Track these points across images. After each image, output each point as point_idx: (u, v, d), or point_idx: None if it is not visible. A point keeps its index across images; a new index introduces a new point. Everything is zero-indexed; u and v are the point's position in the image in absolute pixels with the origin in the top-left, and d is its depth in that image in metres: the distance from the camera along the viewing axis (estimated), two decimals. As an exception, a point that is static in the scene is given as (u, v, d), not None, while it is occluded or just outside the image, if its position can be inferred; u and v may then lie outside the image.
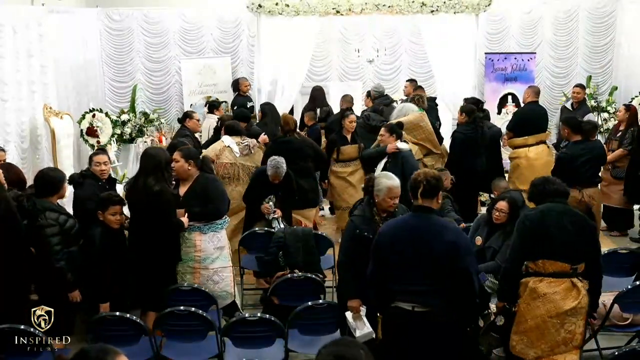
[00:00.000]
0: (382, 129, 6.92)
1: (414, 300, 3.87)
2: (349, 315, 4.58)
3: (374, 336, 4.37)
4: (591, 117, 8.90)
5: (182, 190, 5.42)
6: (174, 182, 5.41)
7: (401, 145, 6.79)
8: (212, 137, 8.25)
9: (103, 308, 4.85)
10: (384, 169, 6.54)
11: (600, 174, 7.87)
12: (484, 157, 7.69)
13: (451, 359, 3.93)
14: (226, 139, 7.30)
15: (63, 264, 4.86)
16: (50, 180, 5.02)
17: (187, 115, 8.21)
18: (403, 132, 7.24)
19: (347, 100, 8.88)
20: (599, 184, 7.40)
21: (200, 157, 5.67)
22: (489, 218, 5.61)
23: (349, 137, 7.71)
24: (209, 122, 9.04)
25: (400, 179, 5.61)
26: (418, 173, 4.11)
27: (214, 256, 5.42)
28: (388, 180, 4.65)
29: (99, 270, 4.87)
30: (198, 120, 8.34)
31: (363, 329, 4.50)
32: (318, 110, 9.26)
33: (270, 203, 6.41)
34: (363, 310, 4.56)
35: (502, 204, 5.48)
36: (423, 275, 3.85)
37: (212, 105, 9.32)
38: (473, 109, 7.78)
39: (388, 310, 3.99)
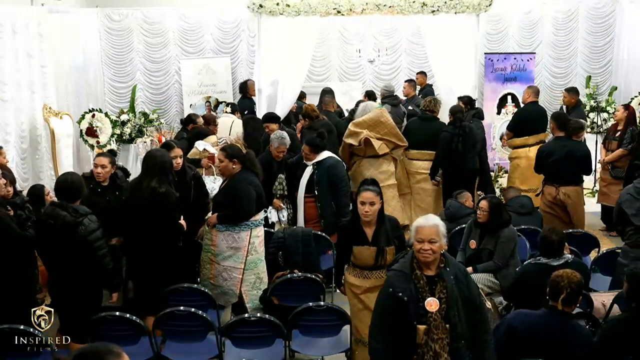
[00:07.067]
0: (305, 146, 6.63)
1: None
2: None
3: None
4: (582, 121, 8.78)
5: None
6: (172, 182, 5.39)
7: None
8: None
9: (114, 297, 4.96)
10: (309, 179, 6.54)
11: (599, 173, 7.85)
12: (472, 157, 7.69)
13: None
14: (199, 144, 7.31)
15: (109, 261, 4.73)
16: (75, 185, 4.78)
17: (191, 120, 8.04)
18: (365, 131, 7.32)
19: (326, 102, 8.72)
20: (580, 184, 7.16)
21: (245, 153, 5.71)
22: (477, 221, 5.71)
23: (369, 232, 4.57)
24: (224, 120, 8.86)
25: (329, 188, 6.28)
26: (561, 276, 3.90)
27: (226, 254, 5.50)
28: (420, 219, 3.80)
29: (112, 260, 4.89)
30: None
31: None
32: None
33: (281, 186, 6.61)
34: None
35: (483, 203, 5.64)
36: None
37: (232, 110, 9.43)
38: (457, 109, 7.79)
39: None
